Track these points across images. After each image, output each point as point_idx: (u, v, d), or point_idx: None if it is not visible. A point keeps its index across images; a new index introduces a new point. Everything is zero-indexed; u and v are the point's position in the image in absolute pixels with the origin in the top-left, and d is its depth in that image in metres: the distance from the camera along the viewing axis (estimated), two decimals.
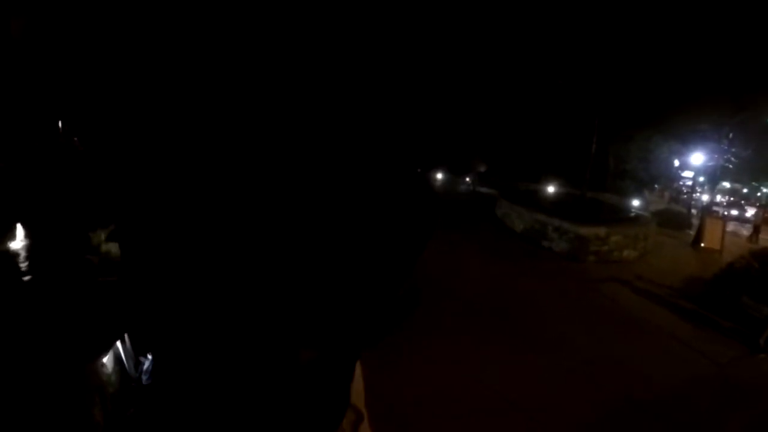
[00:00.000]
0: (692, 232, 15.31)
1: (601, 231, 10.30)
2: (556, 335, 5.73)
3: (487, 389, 4.19)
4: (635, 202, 21.69)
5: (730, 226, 18.28)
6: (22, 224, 5.33)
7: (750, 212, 27.75)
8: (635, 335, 6.21)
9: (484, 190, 23.00)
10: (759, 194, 33.83)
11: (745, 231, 21.40)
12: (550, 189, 21.52)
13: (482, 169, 24.26)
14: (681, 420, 4.18)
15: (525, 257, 9.59)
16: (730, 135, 19.73)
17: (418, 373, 4.04)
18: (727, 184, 30.80)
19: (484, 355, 4.89)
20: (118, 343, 1.49)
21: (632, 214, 14.81)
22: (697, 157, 22.47)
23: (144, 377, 1.46)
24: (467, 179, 25.40)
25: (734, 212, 28.74)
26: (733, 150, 20.39)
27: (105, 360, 1.60)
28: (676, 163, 28.06)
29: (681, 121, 20.08)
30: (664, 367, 5.28)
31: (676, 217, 19.37)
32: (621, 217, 13.71)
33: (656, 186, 30.58)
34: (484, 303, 6.48)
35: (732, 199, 35.43)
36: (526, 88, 21.69)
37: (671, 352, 5.83)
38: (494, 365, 4.71)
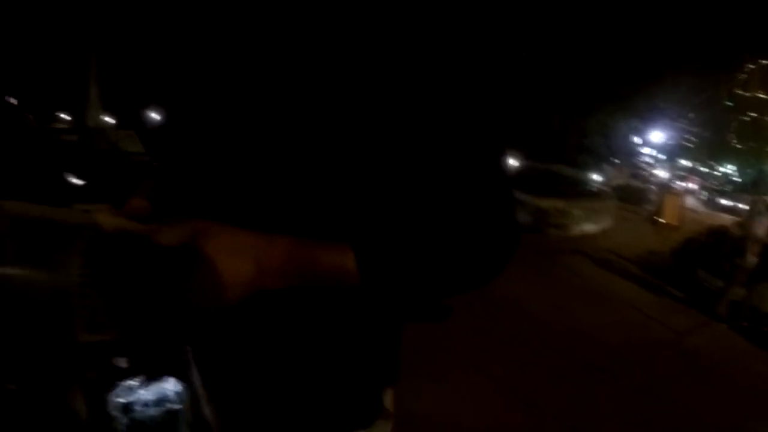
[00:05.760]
0: (651, 208, 15.72)
1: (560, 204, 10.41)
2: (514, 302, 5.73)
3: (444, 351, 4.25)
4: (596, 177, 22.11)
5: (689, 202, 18.82)
6: None
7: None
8: (595, 305, 6.38)
9: None
10: (715, 172, 34.91)
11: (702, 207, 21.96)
12: (510, 161, 21.67)
13: None
14: (633, 382, 4.36)
15: None
16: (691, 115, 20.24)
17: None
18: (686, 163, 31.72)
19: (451, 327, 4.93)
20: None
21: (593, 189, 15.07)
22: (657, 135, 23.10)
23: (118, 362, 1.44)
24: None
25: None
26: (693, 130, 20.96)
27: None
28: (637, 140, 28.72)
29: (642, 98, 20.51)
30: (622, 335, 5.45)
31: (636, 193, 19.83)
32: (580, 191, 13.92)
33: (616, 161, 31.27)
34: None
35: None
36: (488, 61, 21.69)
37: (631, 321, 6.02)
38: (457, 332, 4.77)
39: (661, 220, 13.91)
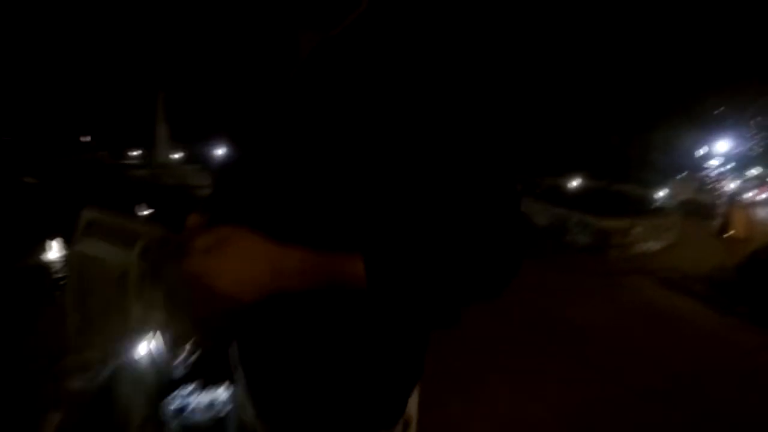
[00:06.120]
0: (719, 221, 15.03)
1: (623, 223, 10.22)
2: (577, 326, 5.77)
3: (496, 370, 4.27)
4: (660, 193, 21.34)
5: (760, 212, 17.84)
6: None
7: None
8: (655, 325, 6.21)
9: None
10: None
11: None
12: (574, 183, 21.26)
13: None
14: (700, 409, 4.18)
15: (548, 252, 9.57)
16: (757, 119, 19.34)
17: (446, 365, 4.13)
18: (755, 171, 30.09)
19: (506, 348, 4.95)
20: (153, 340, 1.65)
21: (656, 205, 14.60)
22: (722, 145, 22.17)
23: (176, 370, 1.61)
24: None
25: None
26: (760, 134, 19.98)
27: (139, 356, 1.76)
28: (701, 151, 27.62)
29: (703, 108, 19.78)
30: (686, 357, 5.27)
31: (703, 207, 18.96)
32: (644, 208, 13.56)
33: (681, 175, 30.05)
34: (508, 299, 6.56)
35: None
36: (544, 82, 21.53)
37: (694, 341, 5.81)
38: (513, 352, 4.79)
39: (729, 233, 13.30)
